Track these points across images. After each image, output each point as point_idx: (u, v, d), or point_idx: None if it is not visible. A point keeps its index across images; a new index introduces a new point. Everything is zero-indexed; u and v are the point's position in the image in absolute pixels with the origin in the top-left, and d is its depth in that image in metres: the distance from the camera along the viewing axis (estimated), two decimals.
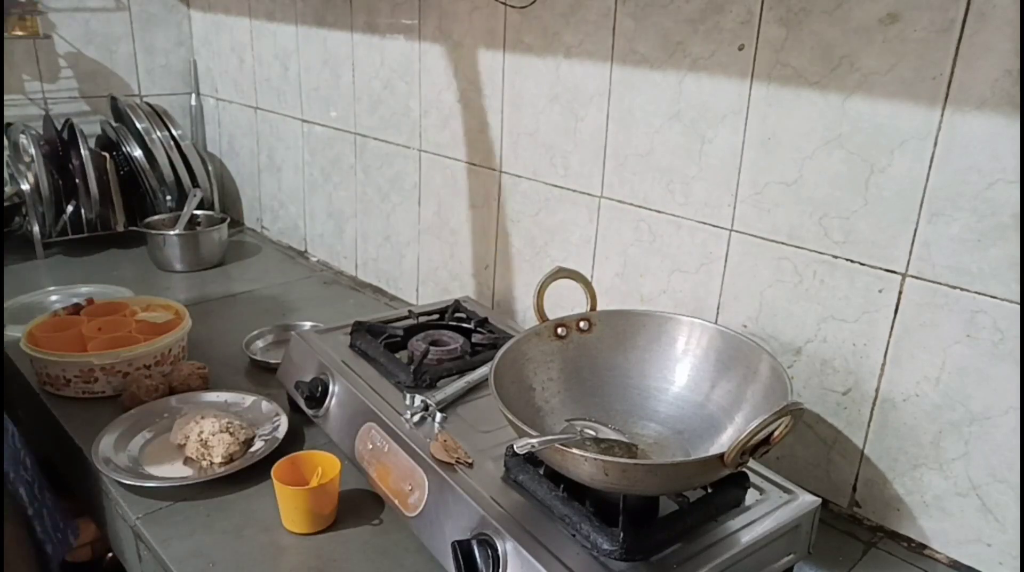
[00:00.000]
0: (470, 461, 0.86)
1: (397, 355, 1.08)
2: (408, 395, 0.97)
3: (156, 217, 1.80)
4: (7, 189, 1.71)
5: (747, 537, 0.77)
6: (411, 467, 0.87)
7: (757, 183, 0.97)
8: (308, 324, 1.36)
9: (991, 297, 0.81)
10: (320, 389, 1.04)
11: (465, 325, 1.18)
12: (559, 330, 0.94)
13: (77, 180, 1.72)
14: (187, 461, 1.01)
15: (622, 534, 0.72)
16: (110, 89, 1.95)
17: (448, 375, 1.03)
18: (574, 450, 0.70)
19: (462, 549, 0.76)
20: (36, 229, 1.69)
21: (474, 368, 1.04)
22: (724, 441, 0.84)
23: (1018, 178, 0.77)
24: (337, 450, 1.00)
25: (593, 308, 0.97)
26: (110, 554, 1.48)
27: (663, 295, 1.11)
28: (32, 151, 1.68)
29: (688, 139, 1.03)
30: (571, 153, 1.19)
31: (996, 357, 0.82)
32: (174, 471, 0.99)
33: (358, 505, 0.94)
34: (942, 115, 0.81)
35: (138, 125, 1.82)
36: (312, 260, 1.84)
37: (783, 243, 0.96)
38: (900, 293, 0.88)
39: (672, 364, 0.94)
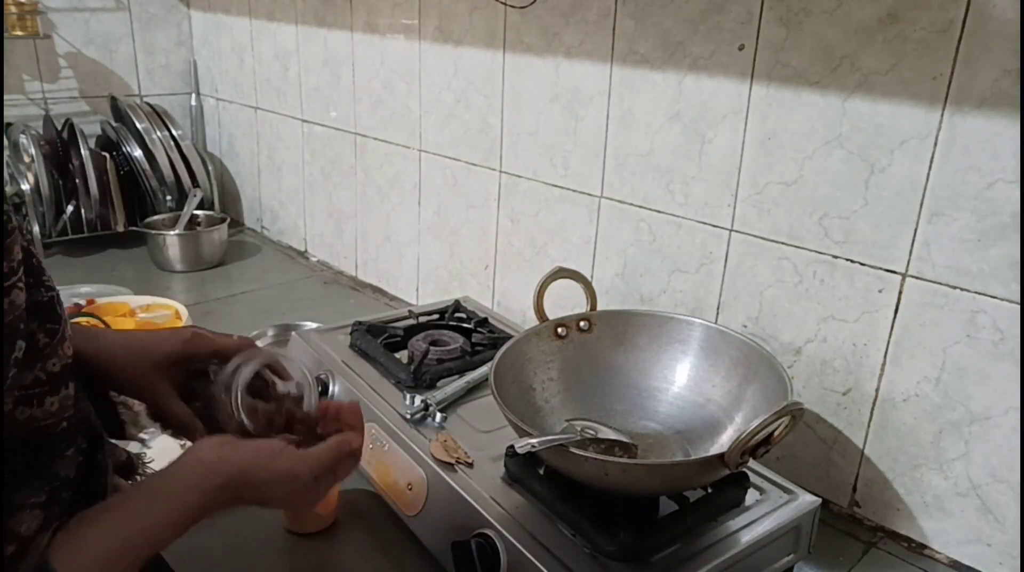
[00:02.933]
0: (470, 461, 0.86)
1: (397, 355, 1.08)
2: (408, 395, 0.97)
3: (156, 217, 1.80)
4: (7, 189, 1.71)
5: (747, 537, 0.77)
6: (411, 467, 0.87)
7: (757, 183, 0.97)
8: (308, 324, 1.36)
9: (991, 297, 0.81)
10: (320, 389, 1.04)
11: (465, 325, 1.18)
12: (559, 330, 0.94)
13: (77, 180, 1.72)
14: None
15: (622, 534, 0.72)
16: (110, 89, 1.95)
17: (448, 375, 1.03)
18: (574, 450, 0.70)
19: (462, 549, 0.76)
20: (36, 229, 1.69)
21: (474, 368, 1.04)
22: (724, 441, 0.84)
23: (1018, 178, 0.77)
24: None
25: (593, 308, 0.97)
26: None
27: (663, 295, 1.11)
28: (32, 151, 1.68)
29: (688, 139, 1.03)
30: (571, 153, 1.19)
31: (996, 357, 0.82)
32: None
33: (358, 505, 0.94)
34: (942, 115, 0.81)
35: (138, 125, 1.82)
36: (312, 260, 1.84)
37: (783, 243, 0.96)
38: (900, 293, 0.88)
39: (672, 364, 0.94)
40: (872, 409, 0.93)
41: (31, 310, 0.51)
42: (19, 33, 1.72)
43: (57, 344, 0.55)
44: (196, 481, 0.58)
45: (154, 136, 1.83)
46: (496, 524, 0.76)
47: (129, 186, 1.83)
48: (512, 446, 0.76)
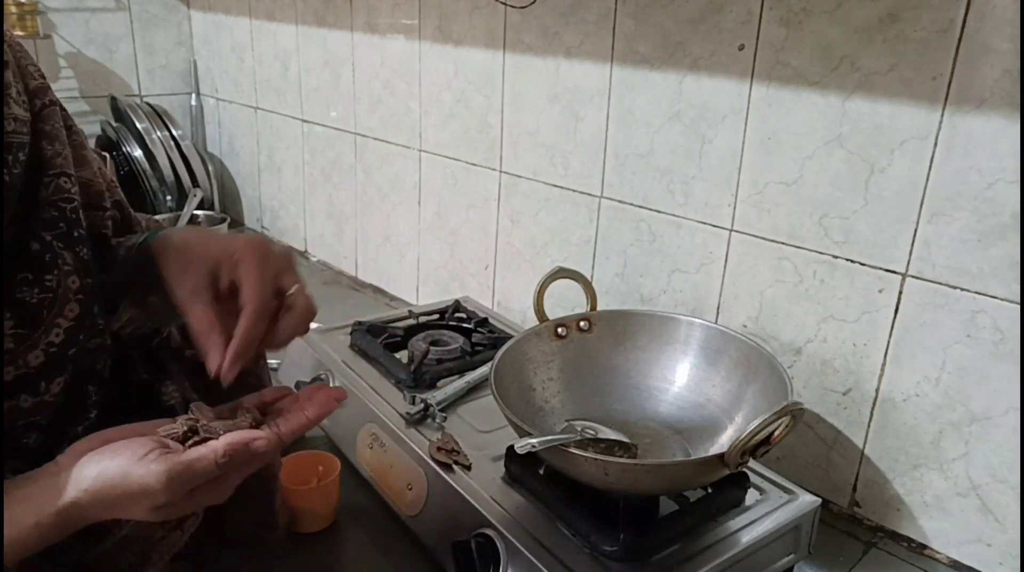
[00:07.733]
0: (469, 462, 0.86)
1: (397, 355, 1.08)
2: (408, 395, 0.97)
3: (156, 217, 1.80)
4: None
5: (747, 537, 0.77)
6: (411, 467, 0.87)
7: (757, 183, 0.97)
8: None
9: (991, 297, 0.81)
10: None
11: (465, 325, 1.18)
12: (559, 330, 0.94)
13: None
14: None
15: (622, 534, 0.72)
16: (110, 89, 1.94)
17: (448, 375, 1.03)
18: (574, 450, 0.70)
19: (462, 549, 0.76)
20: None
21: (474, 368, 1.04)
22: (724, 441, 0.84)
23: (1018, 178, 0.77)
24: (337, 450, 1.00)
25: (593, 308, 0.97)
26: None
27: (663, 295, 1.11)
28: None
29: (688, 139, 1.03)
30: (571, 153, 1.19)
31: (996, 357, 0.82)
32: None
33: (358, 505, 0.94)
34: (942, 115, 0.81)
35: (138, 125, 1.82)
36: (312, 260, 1.84)
37: (783, 243, 0.96)
38: (900, 293, 0.88)
39: (672, 364, 0.94)
40: (872, 409, 0.93)
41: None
42: (19, 33, 1.72)
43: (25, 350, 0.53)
44: (47, 502, 0.50)
45: (154, 136, 1.83)
46: (496, 524, 0.76)
47: (129, 186, 1.82)
48: (512, 446, 0.76)
